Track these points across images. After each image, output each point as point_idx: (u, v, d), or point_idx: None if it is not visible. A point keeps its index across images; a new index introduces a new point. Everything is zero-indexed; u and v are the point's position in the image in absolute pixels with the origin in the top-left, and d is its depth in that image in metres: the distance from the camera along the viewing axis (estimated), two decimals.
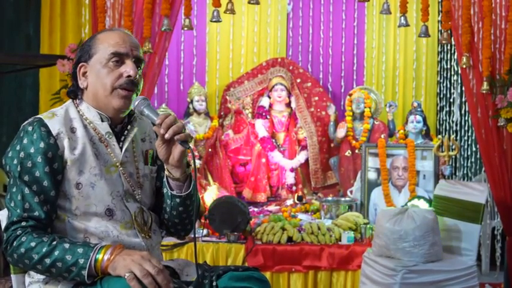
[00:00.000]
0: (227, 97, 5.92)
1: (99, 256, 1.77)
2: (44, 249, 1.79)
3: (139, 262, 1.74)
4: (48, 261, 1.79)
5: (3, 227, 2.07)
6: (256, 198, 5.59)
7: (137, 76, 1.96)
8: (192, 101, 5.61)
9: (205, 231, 4.54)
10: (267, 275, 4.24)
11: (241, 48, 6.13)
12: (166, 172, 2.01)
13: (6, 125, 5.62)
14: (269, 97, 5.81)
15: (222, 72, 6.11)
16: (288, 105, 5.85)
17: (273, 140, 5.76)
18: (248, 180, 5.68)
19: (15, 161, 1.87)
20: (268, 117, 5.79)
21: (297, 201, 5.39)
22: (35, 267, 1.82)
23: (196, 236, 4.39)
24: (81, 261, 1.77)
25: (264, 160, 5.69)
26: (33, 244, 1.80)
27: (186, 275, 1.96)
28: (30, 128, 1.88)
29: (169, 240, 4.26)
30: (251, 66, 6.09)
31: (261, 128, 5.72)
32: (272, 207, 5.35)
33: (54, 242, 1.80)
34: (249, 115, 5.85)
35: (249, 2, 4.60)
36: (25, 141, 1.87)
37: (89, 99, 1.98)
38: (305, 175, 5.82)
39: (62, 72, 4.40)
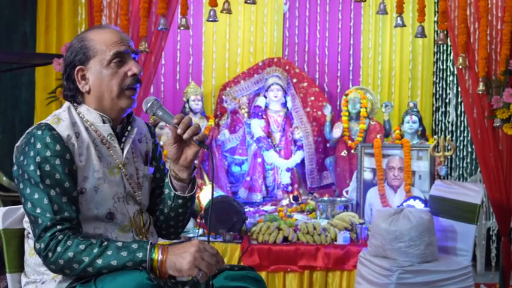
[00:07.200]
0: (223, 97, 5.91)
1: (154, 256, 1.75)
2: (95, 251, 1.74)
3: (200, 256, 1.73)
4: (100, 261, 1.74)
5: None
6: (252, 198, 5.59)
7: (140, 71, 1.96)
8: (188, 101, 5.60)
9: (200, 231, 4.53)
10: (263, 274, 4.24)
11: (237, 48, 6.12)
12: (171, 173, 2.01)
13: (1, 124, 5.61)
14: (265, 97, 5.81)
15: (218, 72, 6.09)
16: (284, 105, 5.85)
17: (269, 140, 5.75)
18: (244, 180, 5.68)
19: (32, 167, 1.79)
20: (264, 117, 5.78)
21: (293, 201, 5.38)
22: (85, 270, 1.74)
23: (192, 235, 4.44)
24: (140, 255, 1.74)
25: (259, 160, 5.68)
26: (82, 247, 1.74)
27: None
28: (39, 132, 1.82)
29: (165, 240, 4.25)
30: (247, 65, 6.08)
31: (256, 127, 5.71)
32: (268, 207, 5.34)
33: (105, 243, 1.76)
34: (245, 115, 5.84)
35: (245, 2, 4.60)
36: (38, 145, 1.80)
37: (91, 102, 1.94)
38: (301, 175, 5.82)
39: (58, 71, 4.41)
